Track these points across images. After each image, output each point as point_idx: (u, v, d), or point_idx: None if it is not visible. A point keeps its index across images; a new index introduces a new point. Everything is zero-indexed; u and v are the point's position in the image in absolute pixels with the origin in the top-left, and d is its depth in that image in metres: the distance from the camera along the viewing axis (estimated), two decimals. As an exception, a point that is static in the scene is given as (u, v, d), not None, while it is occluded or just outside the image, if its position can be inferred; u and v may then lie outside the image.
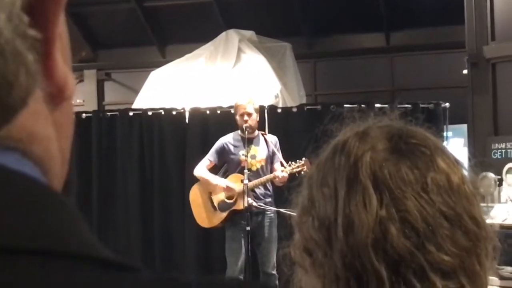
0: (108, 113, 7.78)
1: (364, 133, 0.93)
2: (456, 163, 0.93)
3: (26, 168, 0.38)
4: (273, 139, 5.90)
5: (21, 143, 0.38)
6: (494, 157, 6.90)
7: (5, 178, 0.36)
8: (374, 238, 0.84)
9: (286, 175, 5.53)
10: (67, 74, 0.41)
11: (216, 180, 5.81)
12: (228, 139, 5.87)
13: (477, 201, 0.91)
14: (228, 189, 5.72)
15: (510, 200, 6.10)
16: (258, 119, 5.81)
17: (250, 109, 5.68)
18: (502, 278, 4.78)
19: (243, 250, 5.66)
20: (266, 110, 7.01)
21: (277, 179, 5.59)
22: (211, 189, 5.88)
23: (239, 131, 5.79)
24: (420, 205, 0.86)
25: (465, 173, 0.93)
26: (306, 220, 0.92)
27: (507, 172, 6.23)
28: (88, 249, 0.38)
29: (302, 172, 5.44)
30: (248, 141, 5.69)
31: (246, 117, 5.64)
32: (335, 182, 0.90)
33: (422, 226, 0.85)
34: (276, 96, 8.03)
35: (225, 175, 5.89)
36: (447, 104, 7.25)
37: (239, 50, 8.59)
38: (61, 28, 0.41)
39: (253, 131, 5.76)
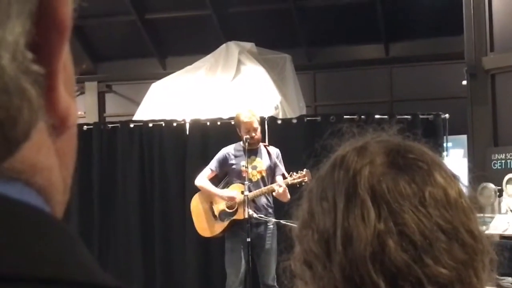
0: (109, 125, 7.79)
1: (363, 148, 0.95)
2: (453, 177, 0.94)
3: (29, 197, 0.39)
4: (275, 151, 5.91)
5: (23, 174, 0.39)
6: (494, 167, 6.91)
7: (6, 207, 0.37)
8: (372, 251, 0.85)
9: (281, 191, 5.51)
10: (70, 104, 0.42)
11: (216, 191, 5.82)
12: (230, 150, 5.89)
13: (474, 215, 0.93)
14: (230, 198, 5.73)
15: (511, 210, 6.10)
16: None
17: (256, 124, 5.70)
18: (502, 289, 4.77)
19: (243, 261, 5.66)
20: (266, 122, 7.03)
21: (274, 193, 5.59)
22: (212, 199, 5.89)
23: (241, 142, 5.80)
24: (417, 218, 0.87)
25: (462, 187, 0.94)
26: (306, 233, 0.93)
27: (507, 182, 6.23)
28: (89, 275, 0.38)
29: (303, 183, 5.45)
30: (250, 152, 5.70)
31: (253, 133, 5.66)
32: (334, 195, 0.91)
33: (420, 239, 0.86)
34: (276, 108, 8.04)
35: (226, 186, 5.90)
36: (447, 115, 7.26)
37: (239, 62, 8.61)
38: (65, 58, 0.42)
39: (257, 144, 5.79)
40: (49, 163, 0.41)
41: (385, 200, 0.88)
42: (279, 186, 5.55)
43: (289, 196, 5.47)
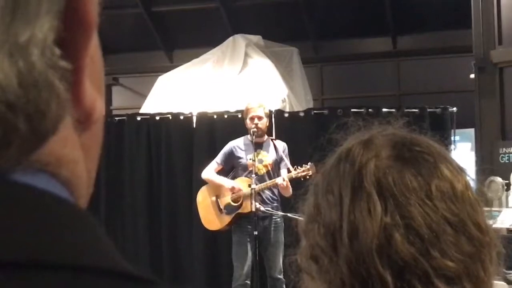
0: (116, 118, 7.80)
1: (368, 141, 0.95)
2: (460, 170, 0.94)
3: (54, 188, 0.40)
4: (282, 145, 5.91)
5: (50, 166, 0.40)
6: (502, 161, 6.90)
7: (35, 197, 0.39)
8: (378, 244, 0.85)
9: (284, 183, 5.51)
10: (95, 99, 0.43)
11: (223, 181, 5.83)
12: (237, 143, 5.89)
13: (481, 208, 0.92)
14: (233, 189, 5.73)
15: (518, 204, 6.09)
16: (267, 124, 5.84)
17: (261, 113, 5.70)
18: (510, 283, 4.76)
19: (250, 254, 5.67)
20: (273, 115, 7.02)
21: (279, 187, 5.60)
22: (218, 192, 5.90)
23: (248, 136, 5.80)
24: (424, 211, 0.87)
25: (469, 180, 0.94)
26: (312, 228, 0.93)
27: (515, 176, 6.22)
28: (114, 263, 0.40)
29: (308, 177, 5.46)
30: (256, 146, 5.70)
31: (256, 120, 5.66)
32: (340, 189, 0.91)
33: (426, 232, 0.86)
34: (283, 101, 8.04)
35: (233, 179, 5.90)
36: (455, 109, 7.24)
37: (246, 55, 8.61)
38: (94, 51, 0.43)
39: (262, 135, 5.78)
40: (74, 156, 0.42)
41: (391, 193, 0.88)
42: (283, 179, 5.55)
43: (291, 191, 5.47)
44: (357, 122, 1.01)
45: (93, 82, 0.43)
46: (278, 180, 5.59)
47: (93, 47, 0.42)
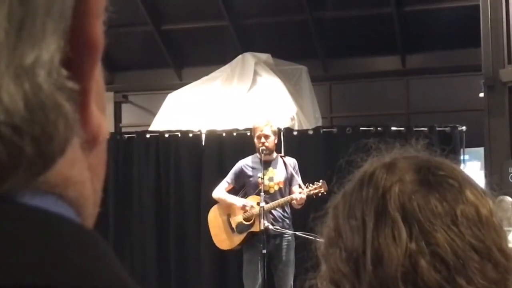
0: (125, 135, 7.82)
1: (392, 164, 0.93)
2: (484, 194, 0.92)
3: (62, 209, 0.40)
4: (291, 161, 5.89)
5: (57, 188, 0.40)
6: (511, 180, 6.86)
7: (44, 220, 0.38)
8: (404, 272, 0.84)
9: (304, 196, 5.53)
10: (101, 120, 0.43)
11: (234, 200, 5.82)
12: (246, 162, 5.89)
13: (504, 233, 0.91)
14: (244, 207, 5.72)
15: (528, 224, 6.04)
16: (276, 142, 5.82)
17: (267, 131, 5.69)
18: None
19: (260, 273, 5.64)
20: (282, 133, 7.02)
21: (294, 201, 5.59)
22: (229, 211, 5.89)
23: (257, 154, 5.79)
24: (450, 238, 0.85)
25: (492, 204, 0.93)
26: (333, 252, 0.91)
27: (525, 196, 6.17)
28: (123, 286, 0.39)
29: (320, 194, 5.46)
30: (265, 164, 5.69)
31: (263, 139, 5.65)
32: (363, 214, 0.90)
33: (452, 259, 0.84)
34: (292, 119, 8.04)
35: (244, 198, 5.90)
36: (464, 127, 7.21)
37: (255, 73, 8.63)
38: (97, 75, 0.43)
39: (270, 153, 5.76)
40: (81, 177, 0.42)
41: (417, 219, 0.86)
42: (299, 194, 5.54)
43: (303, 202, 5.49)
44: (378, 144, 1.00)
45: (97, 103, 0.43)
46: (295, 196, 5.58)
47: (97, 70, 0.43)
